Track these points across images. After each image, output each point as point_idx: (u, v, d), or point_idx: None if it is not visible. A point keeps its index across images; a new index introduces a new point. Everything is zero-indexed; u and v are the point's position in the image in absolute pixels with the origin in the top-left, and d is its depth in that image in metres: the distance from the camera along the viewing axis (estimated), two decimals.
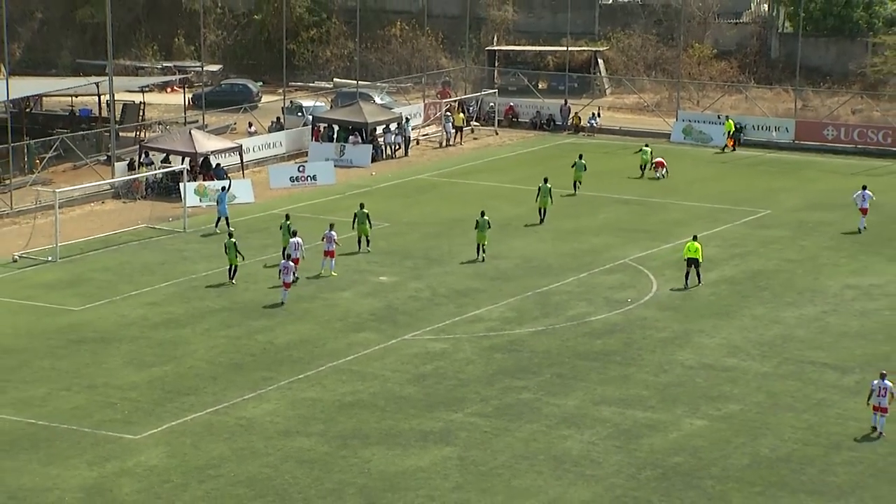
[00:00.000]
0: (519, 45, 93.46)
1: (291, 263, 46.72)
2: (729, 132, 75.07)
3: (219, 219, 55.70)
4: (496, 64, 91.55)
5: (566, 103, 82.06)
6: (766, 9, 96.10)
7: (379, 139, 73.15)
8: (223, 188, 57.61)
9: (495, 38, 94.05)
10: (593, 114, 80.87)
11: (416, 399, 37.83)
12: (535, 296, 47.60)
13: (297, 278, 47.75)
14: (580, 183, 63.76)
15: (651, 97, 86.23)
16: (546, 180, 58.44)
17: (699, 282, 48.60)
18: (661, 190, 64.49)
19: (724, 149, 74.67)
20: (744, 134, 76.54)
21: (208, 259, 51.78)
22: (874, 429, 35.50)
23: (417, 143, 76.22)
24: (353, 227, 52.39)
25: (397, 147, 73.89)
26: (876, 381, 35.60)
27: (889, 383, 35.43)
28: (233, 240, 48.51)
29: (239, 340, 42.65)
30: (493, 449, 34.39)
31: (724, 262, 51.81)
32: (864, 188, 57.91)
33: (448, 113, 78.53)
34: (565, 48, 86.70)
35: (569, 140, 78.04)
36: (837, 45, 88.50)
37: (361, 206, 53.26)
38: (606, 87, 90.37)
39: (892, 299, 46.97)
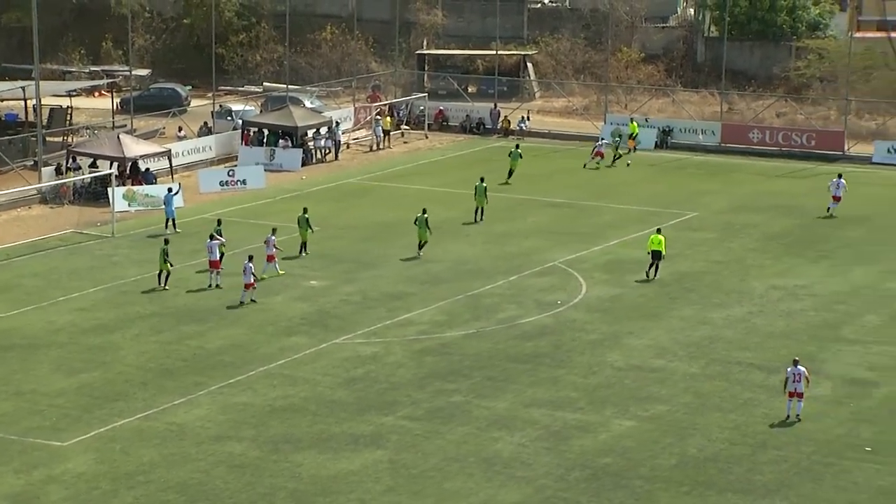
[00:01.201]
0: (449, 49, 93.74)
1: (251, 264, 46.78)
2: (632, 134, 75.74)
3: (167, 220, 55.85)
4: (426, 68, 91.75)
5: (496, 107, 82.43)
6: (693, 13, 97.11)
7: (309, 143, 73.09)
8: (169, 189, 57.55)
9: (425, 43, 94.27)
10: (523, 117, 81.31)
11: (347, 403, 37.90)
12: (466, 299, 47.82)
13: (219, 285, 47.97)
14: (514, 171, 65.94)
15: (580, 101, 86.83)
16: (482, 180, 58.90)
17: (655, 275, 49.62)
18: (591, 193, 64.96)
19: (628, 150, 75.28)
20: (672, 137, 77.28)
21: (138, 264, 51.51)
22: (788, 417, 36.31)
23: (348, 147, 76.23)
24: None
25: (328, 151, 73.89)
26: (790, 369, 36.56)
27: (803, 368, 36.42)
28: (164, 246, 48.31)
29: (170, 345, 42.48)
30: (424, 452, 34.53)
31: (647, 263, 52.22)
32: (840, 176, 60.85)
33: (378, 117, 78.62)
34: (495, 52, 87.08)
35: (499, 143, 78.37)
36: (762, 49, 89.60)
37: (304, 210, 53.43)
38: (536, 90, 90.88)
39: (816, 300, 47.66)
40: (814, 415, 37.00)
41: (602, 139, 72.34)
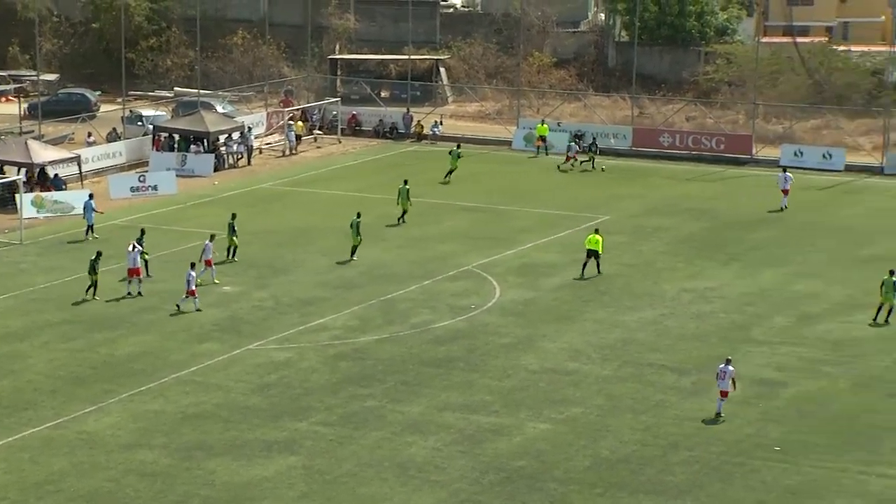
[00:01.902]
0: (361, 53, 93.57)
1: (193, 272, 46.43)
2: (542, 136, 76.22)
3: (88, 227, 55.42)
4: (339, 73, 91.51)
5: (409, 111, 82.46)
6: (603, 18, 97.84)
7: (221, 148, 72.63)
8: (91, 195, 57.03)
9: (337, 47, 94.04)
10: (436, 122, 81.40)
11: (260, 409, 37.69)
12: (380, 304, 47.77)
13: (140, 293, 47.55)
14: (454, 170, 67.66)
15: (492, 105, 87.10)
16: (406, 182, 59.08)
17: (598, 272, 50.59)
18: (505, 197, 65.17)
19: (537, 152, 75.76)
20: (583, 141, 77.74)
21: (47, 272, 50.86)
22: (718, 415, 36.90)
23: (260, 153, 75.83)
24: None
25: (240, 156, 73.47)
26: (721, 366, 37.08)
27: (731, 368, 36.97)
28: (94, 258, 47.68)
29: (79, 353, 41.98)
30: (338, 457, 34.45)
31: (565, 267, 52.59)
32: (785, 170, 63.71)
33: (291, 122, 78.31)
34: (407, 57, 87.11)
35: (412, 148, 78.43)
36: (672, 54, 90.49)
37: (233, 216, 53.16)
38: (448, 95, 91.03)
39: (726, 302, 48.21)
40: (724, 415, 37.41)
41: (571, 144, 72.55)
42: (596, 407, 38.19)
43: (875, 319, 45.56)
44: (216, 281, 49.07)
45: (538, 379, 40.42)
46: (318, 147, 78.55)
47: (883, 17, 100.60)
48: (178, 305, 46.25)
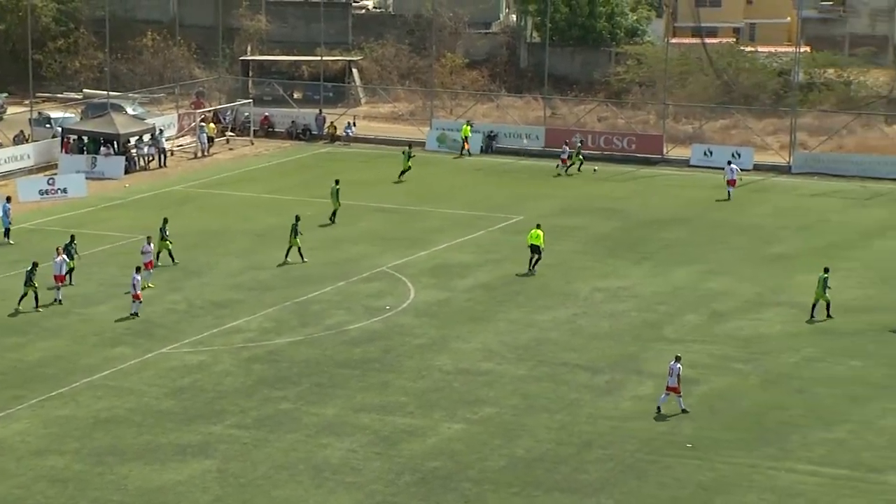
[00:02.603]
0: (273, 55, 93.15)
1: (138, 276, 45.96)
2: (465, 137, 76.47)
3: (5, 231, 54.71)
4: (250, 74, 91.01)
5: (321, 113, 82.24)
6: (515, 19, 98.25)
7: (132, 151, 71.94)
8: (8, 198, 56.27)
9: (249, 49, 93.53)
10: (349, 123, 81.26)
11: (174, 413, 37.40)
12: (294, 305, 47.61)
13: (60, 301, 47.00)
14: (406, 171, 68.89)
15: (405, 106, 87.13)
16: (337, 182, 59.61)
17: (532, 268, 51.31)
18: (418, 198, 65.23)
19: (461, 153, 76.01)
20: (497, 142, 78.08)
21: None
22: (658, 409, 37.49)
23: (172, 154, 75.19)
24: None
25: (151, 158, 72.82)
26: (671, 363, 37.59)
27: (679, 366, 37.39)
28: (29, 269, 46.84)
29: None
30: (252, 460, 34.29)
31: (479, 267, 52.76)
32: (730, 163, 66.99)
33: (202, 123, 77.78)
34: (320, 58, 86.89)
35: (325, 149, 78.24)
36: (583, 55, 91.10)
37: (165, 220, 52.69)
38: (361, 96, 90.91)
39: (638, 301, 48.63)
40: (637, 413, 37.78)
41: (566, 147, 72.44)
42: (510, 407, 38.35)
43: (812, 316, 46.12)
44: (150, 285, 48.51)
45: (453, 379, 40.52)
46: (231, 149, 78.07)
47: (788, 19, 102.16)
48: (135, 314, 45.64)
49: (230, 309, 46.99)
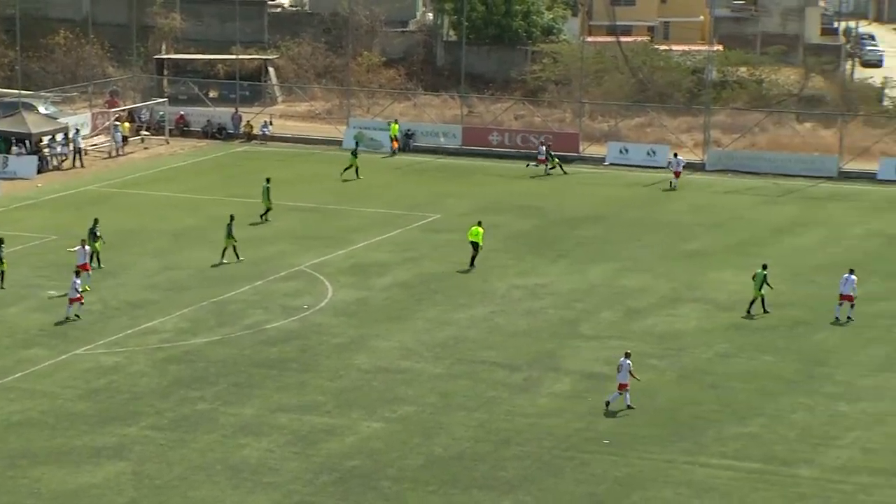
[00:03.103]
0: (188, 53, 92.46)
1: (78, 280, 45.34)
2: (394, 136, 76.47)
3: None
4: (165, 73, 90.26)
5: (237, 111, 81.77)
6: (431, 18, 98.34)
7: (45, 150, 71.05)
8: None
9: (164, 47, 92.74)
10: (265, 122, 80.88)
11: (88, 415, 37.03)
12: (211, 305, 47.32)
13: None
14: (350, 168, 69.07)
15: (322, 105, 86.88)
16: (268, 180, 59.66)
17: (472, 265, 51.92)
18: (335, 197, 65.07)
19: (393, 153, 76.08)
20: (414, 140, 78.11)
21: None
22: (607, 403, 37.87)
23: (86, 154, 74.31)
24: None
25: (64, 158, 71.97)
26: (621, 359, 38.07)
27: (629, 361, 37.81)
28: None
29: None
30: (168, 461, 34.04)
31: (397, 266, 52.78)
32: (676, 155, 69.00)
33: (117, 122, 77.00)
34: (235, 57, 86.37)
35: (242, 148, 77.81)
36: (499, 53, 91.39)
37: (95, 222, 52.06)
38: (278, 95, 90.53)
39: (555, 298, 48.90)
40: (554, 410, 38.01)
41: (541, 147, 72.22)
42: (429, 405, 38.42)
43: (749, 311, 46.66)
44: (87, 287, 47.89)
45: (371, 378, 40.50)
46: (146, 148, 77.39)
47: (702, 17, 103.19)
48: (77, 316, 45.02)
49: (146, 309, 46.60)
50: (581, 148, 76.28)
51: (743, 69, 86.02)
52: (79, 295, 45.32)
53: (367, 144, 77.61)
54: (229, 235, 52.59)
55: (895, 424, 37.12)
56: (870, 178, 70.25)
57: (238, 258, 52.53)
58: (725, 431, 36.59)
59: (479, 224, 53.04)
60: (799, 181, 69.83)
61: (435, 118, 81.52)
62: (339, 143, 78.36)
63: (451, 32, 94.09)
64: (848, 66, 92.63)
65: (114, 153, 75.11)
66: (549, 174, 70.63)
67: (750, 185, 68.93)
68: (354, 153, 69.77)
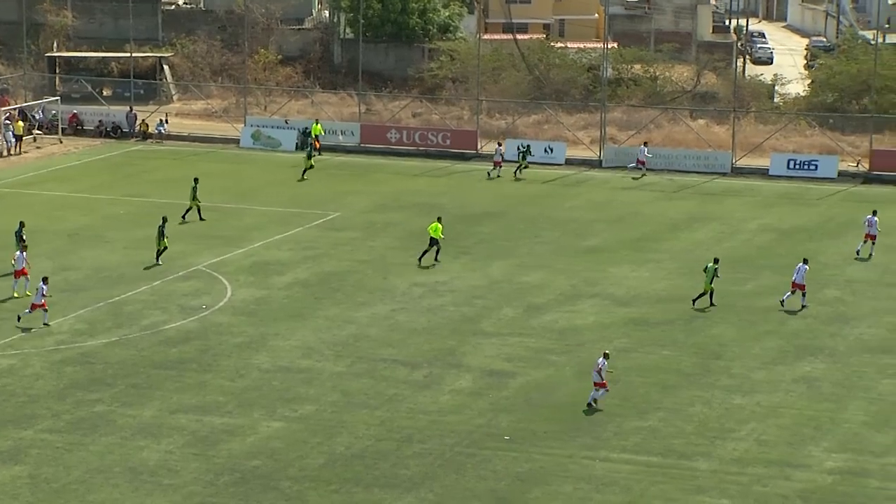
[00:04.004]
0: (81, 51, 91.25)
1: (45, 286, 44.18)
2: (317, 136, 76.04)
3: None
4: (57, 70, 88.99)
5: (132, 110, 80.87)
6: (328, 15, 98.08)
7: None
8: None
9: (55, 45, 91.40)
10: (161, 120, 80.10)
11: None
12: (108, 306, 46.76)
13: None
14: (310, 168, 68.85)
15: (219, 103, 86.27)
16: (196, 180, 59.15)
17: (436, 260, 52.48)
18: (233, 195, 64.62)
19: (317, 153, 75.65)
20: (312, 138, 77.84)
21: None
22: (589, 404, 38.00)
23: None
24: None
25: None
26: (598, 359, 38.32)
27: (604, 361, 38.01)
28: None
29: None
30: (66, 465, 33.59)
31: (297, 264, 52.58)
32: (645, 144, 71.76)
33: (7, 121, 75.73)
34: (129, 54, 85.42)
35: (137, 147, 76.98)
36: (396, 51, 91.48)
37: (21, 225, 51.04)
38: (173, 93, 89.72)
39: (456, 295, 49.04)
40: (455, 407, 38.13)
41: (499, 148, 71.63)
42: (330, 404, 38.34)
43: (694, 303, 47.33)
44: (28, 293, 46.95)
45: (271, 378, 40.31)
46: (39, 148, 76.23)
47: (596, 15, 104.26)
48: (46, 324, 44.14)
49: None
50: (479, 145, 76.56)
51: (637, 66, 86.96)
52: (42, 301, 44.23)
53: (265, 143, 77.26)
54: (161, 237, 51.77)
55: (788, 416, 37.76)
56: (762, 173, 71.43)
57: (157, 261, 51.80)
58: (625, 426, 36.95)
59: (439, 220, 53.52)
60: (693, 177, 70.76)
61: (333, 116, 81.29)
62: (236, 141, 77.87)
63: (348, 30, 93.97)
64: (739, 63, 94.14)
65: (6, 153, 73.89)
66: (518, 179, 69.68)
67: (646, 181, 69.69)
68: (309, 155, 68.94)
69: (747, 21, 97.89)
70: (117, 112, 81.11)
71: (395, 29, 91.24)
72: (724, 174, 71.46)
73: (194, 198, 59.02)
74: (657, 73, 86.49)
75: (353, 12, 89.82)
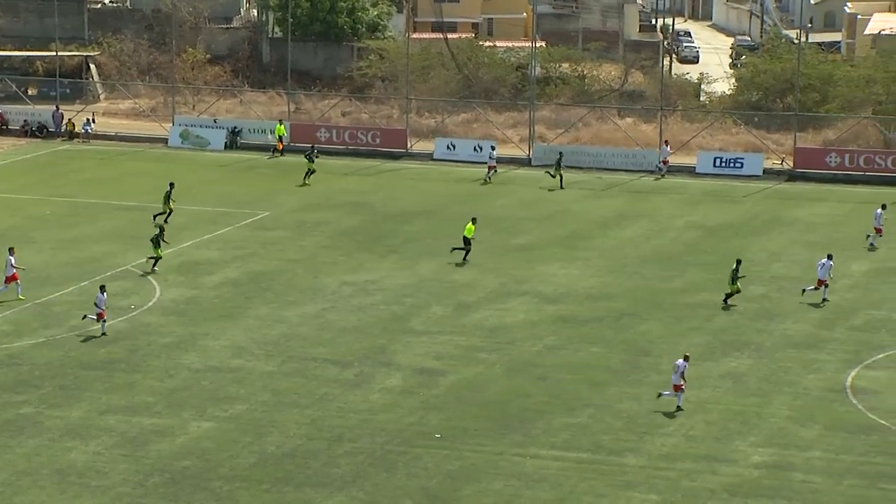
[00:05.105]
0: (5, 50, 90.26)
1: (103, 296, 43.47)
2: (280, 136, 75.71)
3: None
4: None
5: (58, 109, 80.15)
6: (256, 14, 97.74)
7: None
8: None
9: None
10: (88, 119, 79.45)
11: None
12: (35, 307, 46.35)
13: None
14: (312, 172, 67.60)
15: (147, 102, 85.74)
16: (171, 185, 58.87)
17: (464, 260, 52.92)
18: (160, 196, 64.11)
19: (273, 152, 75.24)
20: (241, 137, 77.55)
21: None
22: (679, 407, 38.04)
23: None
24: None
25: None
26: (677, 361, 38.26)
27: (685, 363, 38.01)
28: None
29: None
30: None
31: (226, 264, 52.41)
32: (666, 143, 71.29)
33: None
34: (55, 53, 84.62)
35: (64, 147, 76.30)
36: (326, 50, 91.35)
37: None
38: (100, 92, 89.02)
39: (385, 294, 49.11)
40: (386, 405, 38.20)
41: (492, 151, 71.10)
42: (261, 403, 38.27)
43: (726, 302, 47.74)
44: (21, 297, 46.33)
45: (201, 377, 40.16)
46: None
47: (525, 14, 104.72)
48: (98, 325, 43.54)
49: None
50: (409, 144, 76.68)
51: (565, 65, 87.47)
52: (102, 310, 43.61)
53: (194, 142, 76.88)
54: (157, 245, 51.17)
55: (716, 411, 38.19)
56: (689, 171, 72.12)
57: (153, 269, 51.19)
58: (554, 422, 37.20)
59: (473, 221, 53.67)
60: (621, 175, 71.30)
61: (262, 115, 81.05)
62: (164, 140, 77.42)
63: (277, 29, 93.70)
64: (666, 62, 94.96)
65: None
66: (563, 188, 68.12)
67: (575, 179, 70.06)
68: (310, 158, 67.81)
69: (673, 20, 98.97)
70: (43, 111, 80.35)
71: (324, 28, 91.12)
72: (651, 172, 72.06)
73: (167, 201, 58.40)
74: (585, 72, 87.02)
75: (281, 11, 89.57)
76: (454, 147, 75.42)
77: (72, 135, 78.57)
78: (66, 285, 49.02)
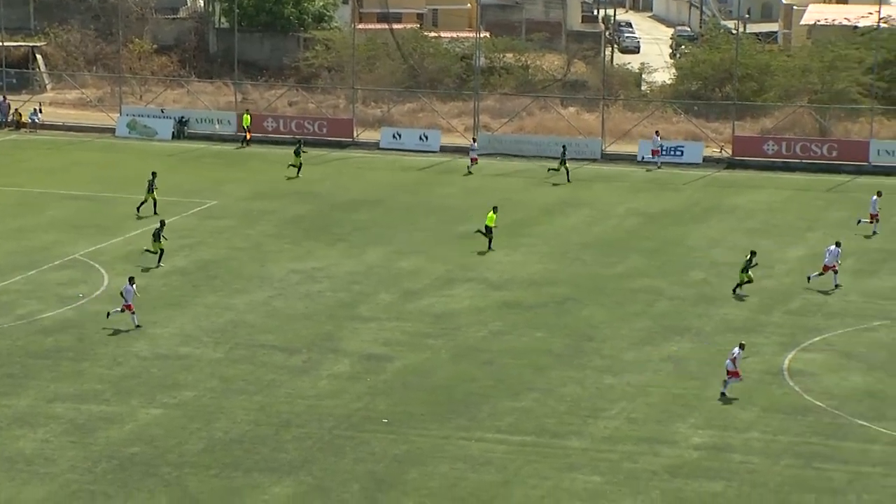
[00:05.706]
0: None
1: (132, 287, 43.47)
2: (247, 126, 75.79)
3: None
4: None
5: (5, 99, 79.96)
6: (202, 4, 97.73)
7: None
8: None
9: None
10: (35, 109, 79.31)
11: None
12: None
13: None
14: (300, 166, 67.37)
15: (94, 92, 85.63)
16: (153, 174, 58.89)
17: (489, 248, 53.46)
18: (108, 185, 64.35)
19: (243, 143, 75.35)
20: (188, 127, 77.70)
21: None
22: (723, 393, 38.53)
23: None
24: None
25: None
26: (732, 349, 38.66)
27: (740, 351, 38.48)
28: None
29: None
30: None
31: (174, 253, 52.60)
32: (657, 133, 71.47)
33: None
34: (0, 43, 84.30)
35: (11, 137, 76.14)
36: (272, 40, 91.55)
37: None
38: (47, 82, 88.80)
39: (333, 281, 49.56)
40: (333, 391, 38.68)
41: (474, 143, 71.12)
42: (209, 390, 38.65)
43: (734, 292, 48.27)
44: None
45: (150, 365, 40.49)
46: None
47: (469, 5, 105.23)
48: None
49: None
50: (355, 133, 77.10)
51: (509, 56, 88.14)
52: (130, 302, 43.53)
53: (141, 132, 76.95)
54: (157, 239, 51.10)
55: (657, 395, 38.90)
56: (630, 159, 73.00)
57: (159, 263, 51.15)
58: (499, 406, 37.75)
59: (495, 210, 54.12)
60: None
61: (209, 105, 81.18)
62: (112, 130, 77.44)
63: (223, 19, 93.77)
64: (608, 52, 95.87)
65: None
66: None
67: (519, 167, 70.76)
68: (297, 152, 67.78)
69: (615, 11, 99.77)
70: None
71: (270, 18, 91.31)
72: (594, 160, 72.85)
73: (150, 191, 58.46)
74: (528, 62, 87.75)
75: (227, 2, 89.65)
76: (400, 136, 75.93)
77: (19, 125, 78.42)
78: (13, 274, 49.14)
